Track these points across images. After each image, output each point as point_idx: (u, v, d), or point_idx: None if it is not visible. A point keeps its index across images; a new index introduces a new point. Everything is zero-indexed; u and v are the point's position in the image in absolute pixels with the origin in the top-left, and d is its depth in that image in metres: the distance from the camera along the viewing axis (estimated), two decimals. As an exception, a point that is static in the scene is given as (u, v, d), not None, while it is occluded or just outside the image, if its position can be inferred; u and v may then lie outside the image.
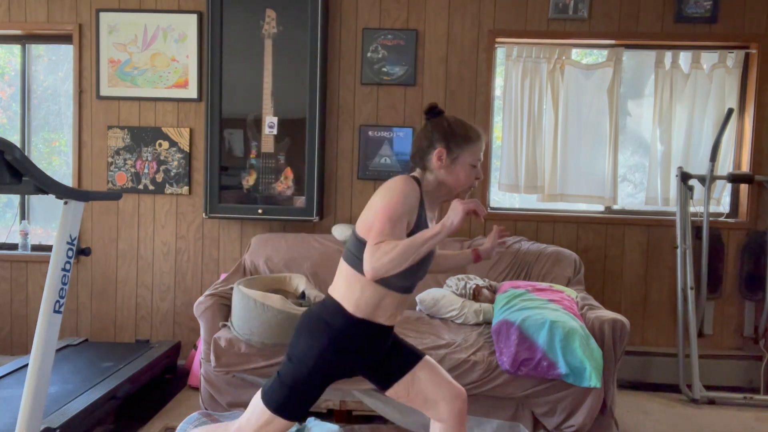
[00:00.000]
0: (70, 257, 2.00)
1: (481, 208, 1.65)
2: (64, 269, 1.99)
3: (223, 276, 3.39)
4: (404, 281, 1.79)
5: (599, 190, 3.67)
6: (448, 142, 1.77)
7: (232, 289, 2.96)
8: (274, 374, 1.84)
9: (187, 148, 3.76)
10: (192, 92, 3.73)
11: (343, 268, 1.80)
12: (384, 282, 1.76)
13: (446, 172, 1.79)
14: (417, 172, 1.84)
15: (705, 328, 3.65)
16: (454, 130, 1.78)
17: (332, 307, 1.80)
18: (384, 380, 1.90)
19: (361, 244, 1.74)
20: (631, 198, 3.91)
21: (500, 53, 3.75)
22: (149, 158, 3.78)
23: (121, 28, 3.73)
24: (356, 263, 1.76)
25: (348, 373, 1.85)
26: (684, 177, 3.50)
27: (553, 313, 2.61)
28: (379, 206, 1.69)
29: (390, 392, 1.91)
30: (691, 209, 3.58)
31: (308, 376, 1.77)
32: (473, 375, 2.58)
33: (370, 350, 1.83)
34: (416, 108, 3.70)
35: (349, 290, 1.77)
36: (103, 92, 3.76)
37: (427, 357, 1.94)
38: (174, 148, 3.77)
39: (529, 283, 3.02)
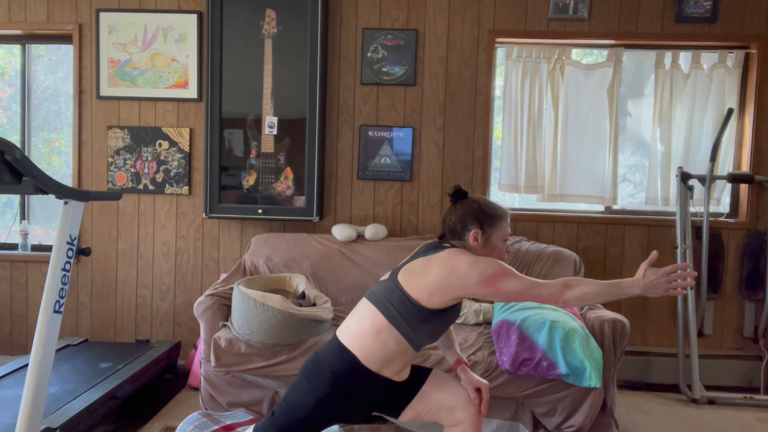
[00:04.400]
0: (70, 257, 2.00)
1: (687, 284, 1.69)
2: (64, 269, 1.99)
3: (223, 276, 3.39)
4: (429, 340, 1.84)
5: (599, 190, 3.67)
6: (481, 223, 1.87)
7: (232, 289, 2.96)
8: (269, 413, 1.85)
9: (187, 148, 3.77)
10: (192, 92, 3.74)
11: (375, 318, 1.80)
12: (412, 340, 1.79)
13: (482, 250, 1.88)
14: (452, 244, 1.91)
15: (705, 328, 3.65)
16: (485, 211, 1.88)
17: (340, 352, 1.80)
18: (394, 409, 1.90)
19: (411, 304, 1.76)
20: (631, 198, 3.91)
21: (500, 53, 3.76)
22: (149, 158, 3.78)
23: (121, 28, 3.73)
24: (394, 317, 1.77)
25: (344, 420, 1.85)
26: (684, 177, 3.50)
27: (553, 313, 2.61)
28: (476, 278, 1.72)
29: (403, 418, 1.91)
30: (691, 209, 3.58)
31: (303, 420, 1.78)
32: (473, 375, 2.58)
33: (368, 401, 1.82)
34: (416, 108, 3.70)
35: (370, 339, 1.78)
36: (103, 92, 3.76)
37: (435, 370, 1.95)
38: (174, 148, 3.77)
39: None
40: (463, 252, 1.79)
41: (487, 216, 1.88)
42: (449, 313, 1.83)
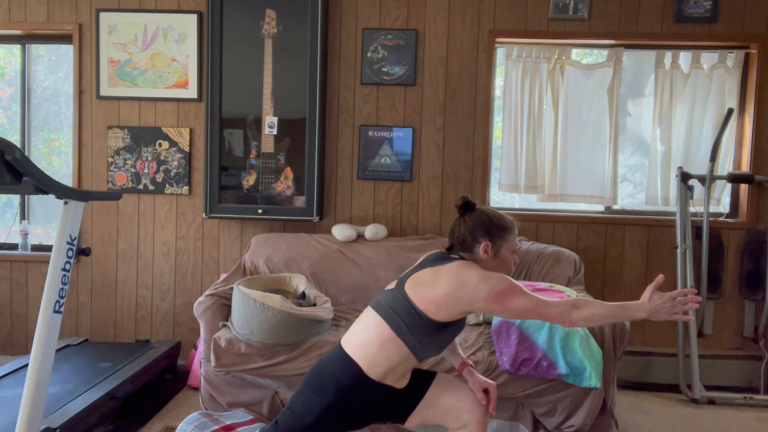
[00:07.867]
0: (70, 257, 2.00)
1: (690, 308, 1.69)
2: (64, 269, 1.99)
3: (223, 276, 3.39)
4: (433, 353, 1.84)
5: (599, 190, 3.67)
6: (491, 235, 1.86)
7: (232, 289, 2.96)
8: (273, 422, 1.86)
9: (187, 148, 3.77)
10: (192, 92, 3.73)
11: (381, 329, 1.79)
12: (417, 351, 1.79)
13: (491, 262, 1.87)
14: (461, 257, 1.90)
15: (705, 328, 3.65)
16: (495, 223, 1.88)
17: (344, 362, 1.80)
18: (399, 415, 1.89)
19: (418, 315, 1.76)
20: (631, 198, 3.91)
21: (500, 53, 3.75)
22: (149, 158, 3.78)
23: (121, 28, 3.73)
24: (400, 328, 1.77)
25: (348, 429, 1.85)
26: (684, 177, 3.50)
27: (553, 313, 2.61)
28: (485, 293, 1.71)
29: (409, 423, 1.90)
30: (691, 209, 3.58)
31: (307, 430, 1.78)
32: (473, 375, 2.58)
33: (372, 410, 1.82)
34: (416, 108, 3.70)
35: (375, 350, 1.78)
36: (103, 92, 3.76)
37: (440, 373, 1.95)
38: (174, 148, 3.77)
39: (529, 283, 3.02)
40: (473, 266, 1.78)
41: (497, 228, 1.87)
42: (455, 326, 1.83)
